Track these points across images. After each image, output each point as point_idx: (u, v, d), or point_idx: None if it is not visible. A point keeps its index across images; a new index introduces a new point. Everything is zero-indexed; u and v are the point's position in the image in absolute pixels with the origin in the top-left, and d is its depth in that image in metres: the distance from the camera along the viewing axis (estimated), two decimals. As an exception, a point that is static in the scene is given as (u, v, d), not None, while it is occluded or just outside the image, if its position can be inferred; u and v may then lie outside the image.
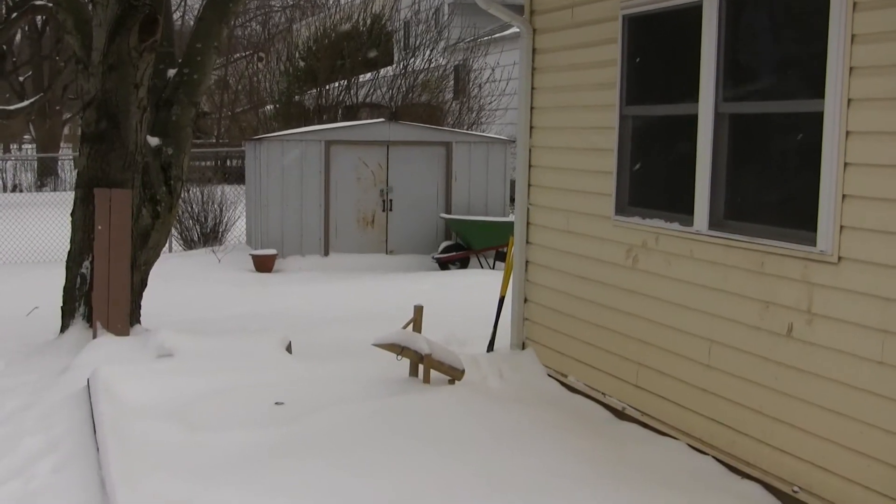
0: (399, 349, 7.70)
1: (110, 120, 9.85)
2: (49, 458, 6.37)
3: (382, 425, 6.60)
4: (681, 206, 6.61)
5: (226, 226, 20.90)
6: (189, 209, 20.41)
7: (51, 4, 12.09)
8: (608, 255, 7.45)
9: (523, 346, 8.82)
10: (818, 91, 5.40)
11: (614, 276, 7.38)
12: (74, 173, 10.55)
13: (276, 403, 7.16)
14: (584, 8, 7.74)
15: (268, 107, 30.71)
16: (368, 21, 30.18)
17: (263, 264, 17.31)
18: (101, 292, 9.78)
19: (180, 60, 11.06)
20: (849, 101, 5.26)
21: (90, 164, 9.97)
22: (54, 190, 32.20)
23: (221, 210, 20.84)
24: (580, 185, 7.85)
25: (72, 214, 10.19)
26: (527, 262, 8.76)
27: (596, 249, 7.62)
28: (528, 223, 8.71)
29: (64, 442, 6.67)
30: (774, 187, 6.00)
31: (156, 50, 10.04)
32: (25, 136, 46.46)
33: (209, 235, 20.66)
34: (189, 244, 20.52)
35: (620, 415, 7.34)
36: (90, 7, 10.38)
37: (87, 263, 9.99)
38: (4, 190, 33.57)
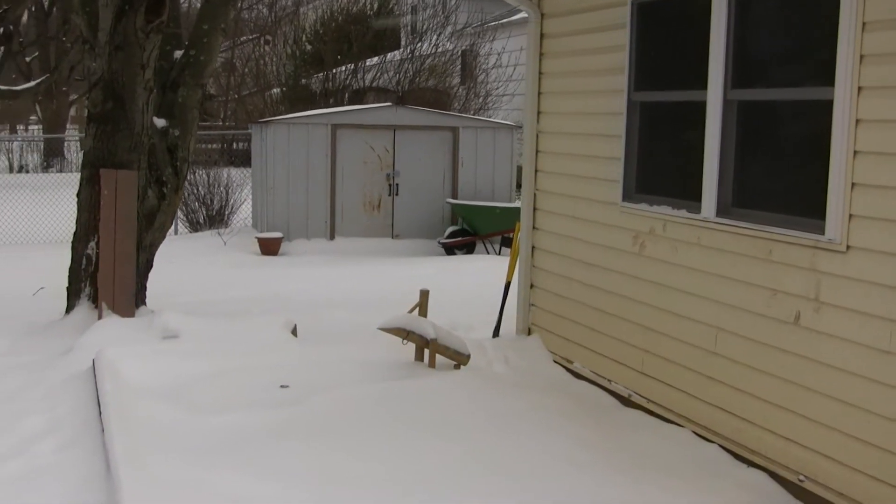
0: (405, 333, 7.70)
1: (116, 100, 9.83)
2: (51, 438, 6.36)
3: (385, 409, 6.59)
4: (689, 193, 6.58)
5: (231, 208, 20.92)
6: (195, 191, 20.44)
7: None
8: (615, 242, 7.42)
9: (529, 332, 8.81)
10: (828, 79, 5.37)
11: (621, 262, 7.36)
12: (80, 154, 10.53)
13: (282, 386, 7.16)
14: (594, -8, 7.71)
15: (274, 90, 30.67)
16: (376, 5, 30.12)
17: (269, 247, 17.30)
18: (106, 273, 9.77)
19: (187, 42, 11.04)
20: (859, 88, 5.22)
21: (96, 145, 9.95)
22: (60, 171, 32.15)
23: (227, 193, 20.86)
24: (588, 171, 7.82)
25: (77, 195, 10.17)
26: (533, 247, 8.73)
27: (603, 236, 7.59)
28: (534, 209, 8.68)
29: (67, 422, 6.66)
30: (783, 175, 5.98)
31: (162, 31, 10.00)
32: (31, 117, 46.48)
33: (215, 218, 20.68)
34: (195, 226, 20.53)
35: (626, 401, 7.32)
36: (97, -13, 10.36)
37: (92, 244, 9.97)
38: (11, 171, 33.57)
